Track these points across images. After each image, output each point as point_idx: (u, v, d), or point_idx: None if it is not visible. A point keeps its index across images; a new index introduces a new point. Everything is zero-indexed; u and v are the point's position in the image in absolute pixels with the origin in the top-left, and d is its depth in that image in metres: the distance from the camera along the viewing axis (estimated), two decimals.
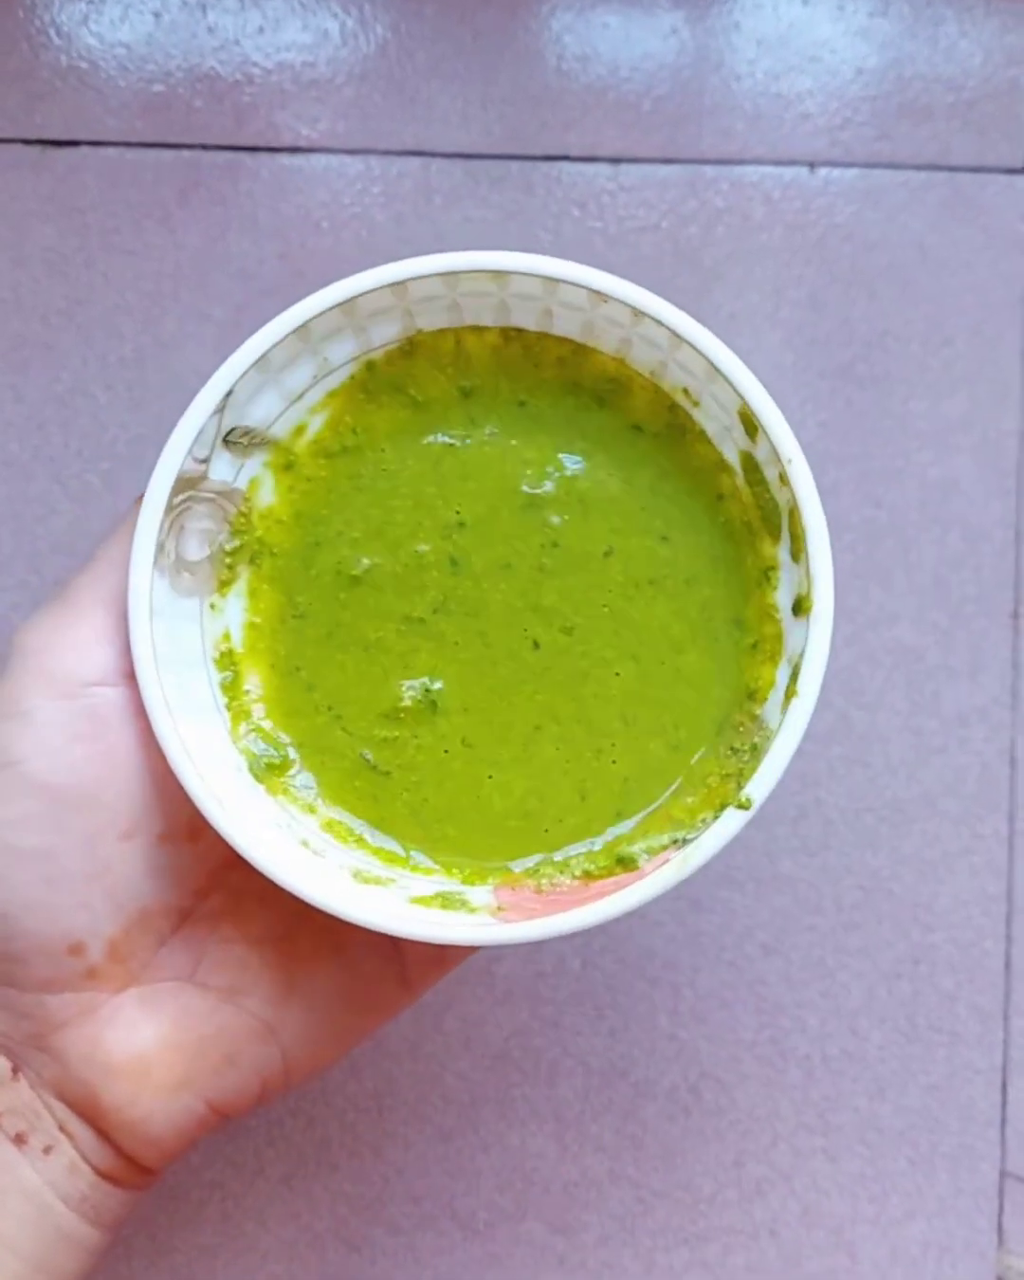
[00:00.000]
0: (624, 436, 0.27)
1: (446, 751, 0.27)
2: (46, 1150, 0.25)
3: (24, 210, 0.37)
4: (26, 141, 0.38)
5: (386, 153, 0.38)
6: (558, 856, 0.27)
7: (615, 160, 0.38)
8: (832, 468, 0.37)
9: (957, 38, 0.38)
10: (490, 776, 0.27)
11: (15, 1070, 0.25)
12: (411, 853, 0.27)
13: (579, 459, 0.27)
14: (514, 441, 0.27)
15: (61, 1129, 0.25)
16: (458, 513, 0.27)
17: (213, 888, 0.27)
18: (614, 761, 0.27)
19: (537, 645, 0.27)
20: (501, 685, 0.27)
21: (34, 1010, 0.25)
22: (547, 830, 0.27)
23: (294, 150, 0.38)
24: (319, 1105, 0.36)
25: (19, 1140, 0.25)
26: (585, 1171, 0.36)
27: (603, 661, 0.27)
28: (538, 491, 0.27)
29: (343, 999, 0.27)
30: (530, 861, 0.27)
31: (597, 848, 0.27)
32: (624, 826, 0.27)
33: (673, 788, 0.27)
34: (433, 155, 0.38)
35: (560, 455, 0.27)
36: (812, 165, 0.38)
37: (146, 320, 0.37)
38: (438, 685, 0.27)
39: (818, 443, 0.37)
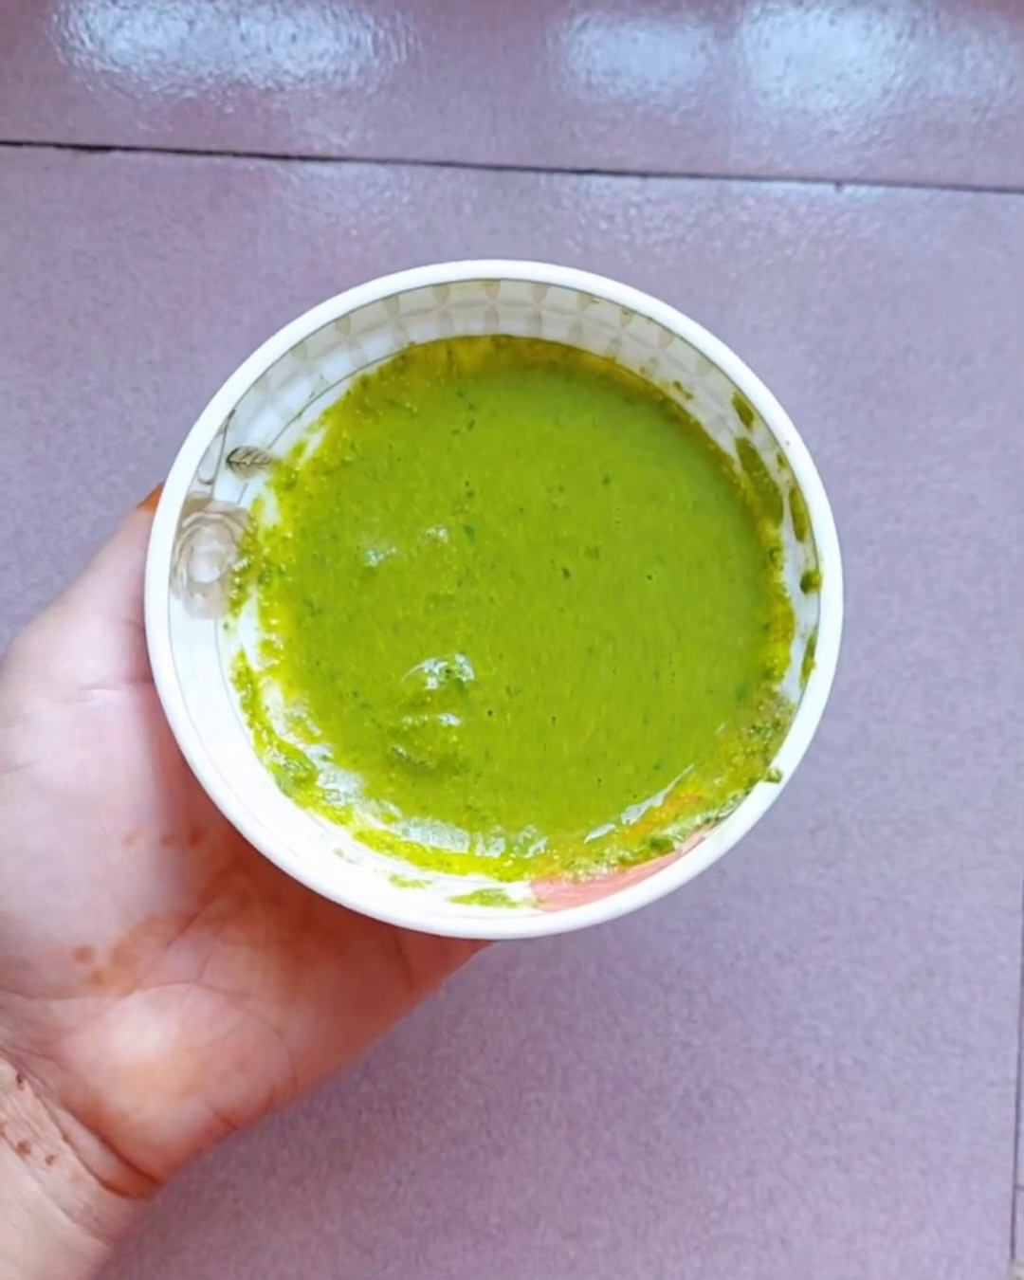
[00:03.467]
0: (617, 405, 0.28)
1: (490, 713, 0.27)
2: (49, 1160, 0.25)
3: (55, 213, 0.38)
4: (59, 145, 0.38)
5: (415, 162, 0.38)
6: (627, 817, 0.27)
7: (643, 174, 0.38)
8: (853, 482, 0.37)
9: (982, 59, 0.39)
10: (554, 718, 0.27)
11: (20, 1078, 0.25)
12: (478, 836, 0.27)
13: (573, 419, 0.28)
14: (512, 418, 0.28)
15: (65, 1138, 0.25)
16: (468, 483, 0.27)
17: (217, 891, 0.27)
18: (672, 678, 0.27)
19: (567, 573, 0.27)
20: (541, 618, 0.27)
21: (40, 1017, 0.25)
22: (613, 772, 0.27)
23: (324, 159, 0.38)
24: (333, 1106, 0.36)
25: (22, 1150, 0.25)
26: (597, 1177, 0.36)
27: (633, 570, 0.27)
28: (539, 452, 0.27)
29: (349, 1000, 0.27)
30: (601, 830, 0.27)
31: (658, 804, 0.27)
32: (687, 771, 0.27)
33: (720, 728, 0.27)
34: (462, 166, 0.38)
35: (555, 421, 0.28)
36: (838, 183, 0.38)
37: (175, 324, 0.37)
38: (462, 661, 0.27)
39: (840, 457, 0.38)
